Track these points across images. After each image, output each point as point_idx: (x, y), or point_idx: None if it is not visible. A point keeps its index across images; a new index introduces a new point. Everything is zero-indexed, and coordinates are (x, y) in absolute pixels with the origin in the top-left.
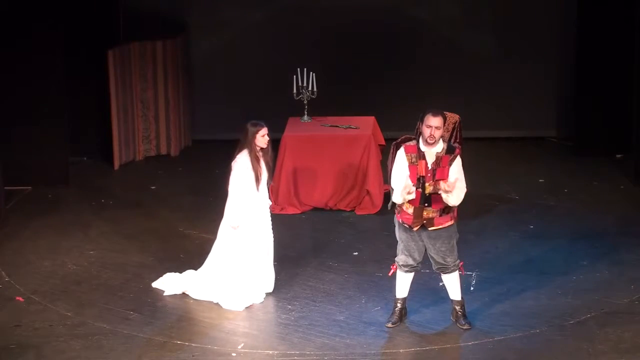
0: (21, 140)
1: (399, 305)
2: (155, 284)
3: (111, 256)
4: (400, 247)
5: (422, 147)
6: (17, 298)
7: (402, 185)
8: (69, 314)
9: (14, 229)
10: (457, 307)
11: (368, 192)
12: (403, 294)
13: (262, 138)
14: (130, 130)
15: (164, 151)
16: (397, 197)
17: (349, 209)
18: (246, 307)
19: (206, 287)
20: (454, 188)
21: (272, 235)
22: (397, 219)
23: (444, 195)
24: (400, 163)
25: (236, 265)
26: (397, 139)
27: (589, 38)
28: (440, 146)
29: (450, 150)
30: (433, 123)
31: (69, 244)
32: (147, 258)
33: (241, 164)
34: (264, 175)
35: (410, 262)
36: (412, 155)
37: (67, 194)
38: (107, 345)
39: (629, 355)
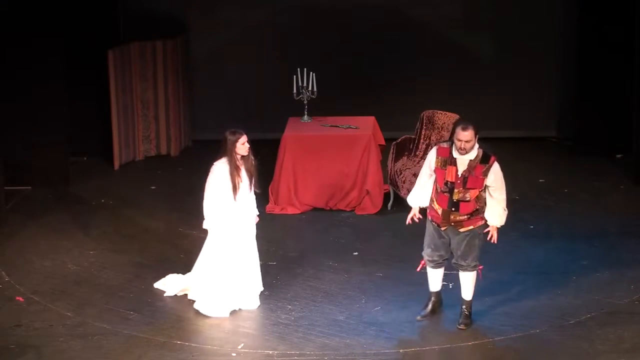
0: (21, 140)
1: (433, 298)
2: (157, 285)
3: (111, 256)
4: (427, 240)
5: (455, 152)
6: (17, 298)
7: (420, 185)
8: (69, 314)
9: (14, 229)
10: (463, 306)
11: (368, 192)
12: (435, 288)
13: (242, 146)
14: (130, 130)
15: (164, 151)
16: (409, 199)
17: (349, 209)
18: (242, 309)
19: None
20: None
21: (255, 245)
22: (427, 215)
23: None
24: (428, 164)
25: (213, 272)
26: (397, 139)
27: (589, 38)
28: (473, 153)
29: (485, 159)
30: (463, 138)
31: (69, 244)
32: (147, 258)
33: (218, 171)
34: (244, 184)
35: (435, 257)
36: (443, 159)
37: (67, 194)
38: (107, 345)
39: (629, 355)
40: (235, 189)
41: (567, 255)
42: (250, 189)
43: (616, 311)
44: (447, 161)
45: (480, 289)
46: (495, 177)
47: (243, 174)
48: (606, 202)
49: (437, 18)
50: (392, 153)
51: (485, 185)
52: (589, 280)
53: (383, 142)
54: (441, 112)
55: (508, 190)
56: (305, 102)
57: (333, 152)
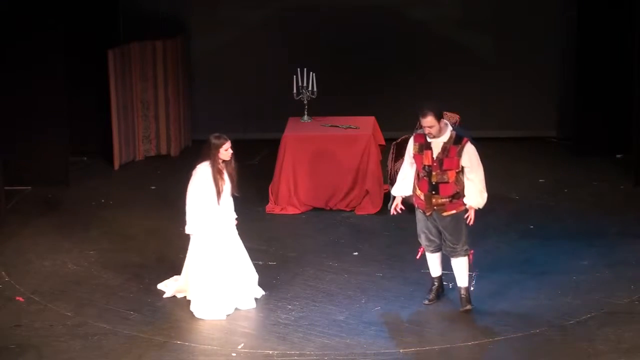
0: (21, 140)
1: (436, 283)
2: (160, 286)
3: (111, 256)
4: (419, 227)
5: (429, 137)
6: (17, 298)
7: (402, 175)
8: (69, 314)
9: (14, 229)
10: (462, 292)
11: (368, 192)
12: (436, 273)
13: (225, 152)
14: (130, 130)
15: (164, 151)
16: (392, 190)
17: (349, 209)
18: (240, 309)
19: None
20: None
21: (242, 246)
22: (414, 203)
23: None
24: (408, 153)
25: (204, 277)
26: (397, 139)
27: (589, 38)
28: (446, 135)
29: (458, 141)
30: (425, 124)
31: (69, 244)
32: (147, 258)
33: (201, 174)
34: (227, 187)
35: (430, 241)
36: (419, 144)
37: (67, 194)
38: (107, 345)
39: (629, 355)
40: (219, 193)
41: (567, 255)
42: (231, 193)
43: (616, 311)
44: (423, 146)
45: (480, 289)
46: (469, 158)
47: (225, 177)
48: (606, 202)
49: (437, 18)
50: (392, 153)
51: (462, 166)
52: (589, 280)
53: (383, 142)
54: None
55: (506, 189)
56: (305, 102)
57: (333, 152)
